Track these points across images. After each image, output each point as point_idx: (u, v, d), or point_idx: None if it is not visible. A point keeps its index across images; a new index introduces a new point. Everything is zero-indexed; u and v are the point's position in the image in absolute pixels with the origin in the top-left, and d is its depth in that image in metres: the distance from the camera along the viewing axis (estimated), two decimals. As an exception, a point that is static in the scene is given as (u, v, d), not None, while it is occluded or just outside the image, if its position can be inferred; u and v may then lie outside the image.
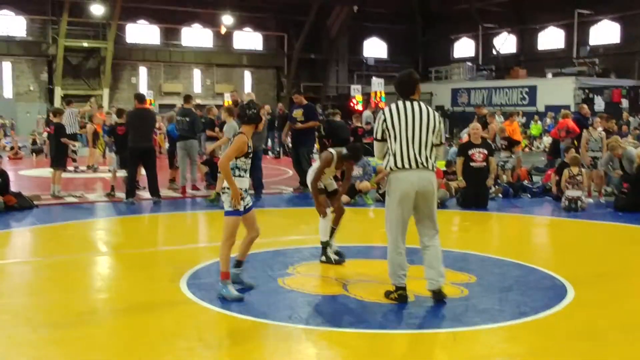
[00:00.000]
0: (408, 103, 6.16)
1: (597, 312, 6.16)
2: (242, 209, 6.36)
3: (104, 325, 5.84)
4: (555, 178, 13.51)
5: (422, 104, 6.24)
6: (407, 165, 6.05)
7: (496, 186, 13.69)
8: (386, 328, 5.58)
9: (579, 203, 12.17)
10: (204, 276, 7.24)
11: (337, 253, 7.83)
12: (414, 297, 6.40)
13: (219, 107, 18.31)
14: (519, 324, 5.71)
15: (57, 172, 13.55)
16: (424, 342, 5.36)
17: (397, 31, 51.71)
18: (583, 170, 12.96)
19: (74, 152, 18.65)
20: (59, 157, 13.77)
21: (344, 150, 7.75)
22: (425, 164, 6.09)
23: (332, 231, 7.85)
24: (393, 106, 6.19)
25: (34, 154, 23.83)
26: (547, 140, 26.96)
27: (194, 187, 14.55)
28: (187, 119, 14.17)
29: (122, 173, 13.28)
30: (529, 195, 14.09)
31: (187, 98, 14.97)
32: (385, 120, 6.14)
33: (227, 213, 6.36)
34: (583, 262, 8.43)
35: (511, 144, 14.91)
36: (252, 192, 13.68)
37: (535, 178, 16.10)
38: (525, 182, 14.78)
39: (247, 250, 6.83)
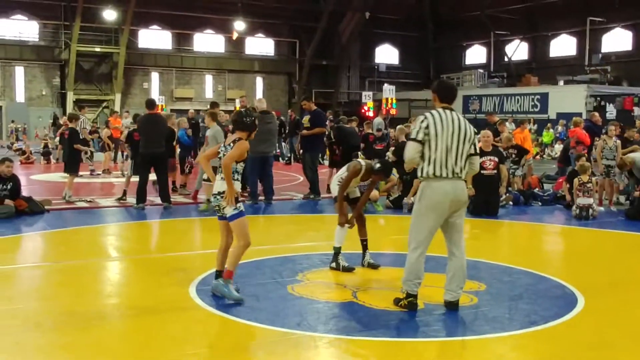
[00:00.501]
0: (448, 112, 6.12)
1: (608, 321, 6.12)
2: (242, 208, 6.48)
3: (113, 331, 5.85)
4: (566, 186, 13.47)
5: (458, 114, 6.22)
6: (444, 174, 6.01)
7: (507, 194, 13.64)
8: (395, 336, 5.56)
9: (590, 211, 12.11)
10: (212, 282, 7.22)
11: (370, 265, 7.85)
12: (423, 305, 6.38)
13: (228, 112, 18.33)
14: (529, 332, 5.68)
15: (70, 178, 13.63)
16: (433, 350, 5.34)
17: (408, 38, 51.76)
18: (594, 178, 12.90)
19: (88, 157, 18.76)
20: (73, 163, 13.92)
21: (376, 164, 7.76)
22: (460, 174, 6.10)
23: (365, 245, 7.91)
24: (435, 113, 6.10)
25: (45, 159, 23.90)
26: (558, 147, 26.85)
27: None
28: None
29: (136, 179, 13.31)
30: (540, 203, 14.02)
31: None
32: (428, 125, 6.01)
33: (233, 217, 6.47)
34: (594, 270, 8.39)
35: (520, 152, 14.83)
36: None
37: (547, 186, 16.03)
38: (536, 190, 14.71)
39: (224, 259, 6.71)
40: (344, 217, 7.59)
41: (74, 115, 14.98)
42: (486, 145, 12.58)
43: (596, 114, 19.31)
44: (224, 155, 6.54)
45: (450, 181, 6.06)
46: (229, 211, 6.43)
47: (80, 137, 15.06)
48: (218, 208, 6.59)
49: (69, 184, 13.64)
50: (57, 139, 25.26)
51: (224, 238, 6.75)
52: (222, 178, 6.49)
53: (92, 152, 19.30)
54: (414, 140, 6.07)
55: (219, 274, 6.66)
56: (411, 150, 6.11)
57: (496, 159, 12.44)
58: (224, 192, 6.42)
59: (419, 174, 6.16)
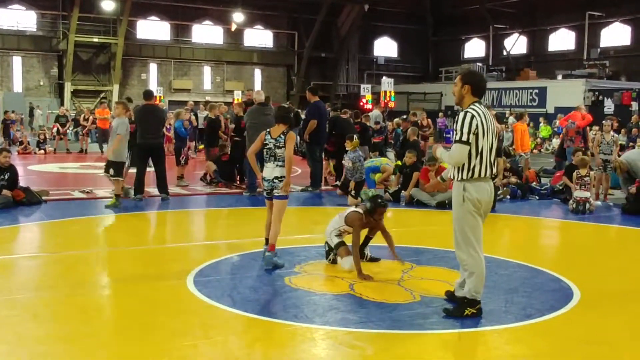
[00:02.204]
0: (485, 109, 5.77)
1: (603, 315, 6.15)
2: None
3: (111, 321, 5.88)
4: (566, 179, 13.54)
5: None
6: (488, 174, 5.73)
7: (504, 188, 13.68)
8: (392, 328, 5.57)
9: (587, 205, 12.14)
10: (210, 274, 7.26)
11: (372, 259, 7.82)
12: (420, 298, 6.40)
13: (228, 104, 18.33)
14: (525, 325, 5.71)
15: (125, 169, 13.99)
16: (430, 343, 5.36)
17: (408, 31, 51.70)
18: (592, 172, 12.93)
19: None
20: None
21: (366, 203, 7.49)
22: (493, 173, 5.85)
23: (368, 241, 7.80)
24: (479, 111, 5.66)
25: (42, 149, 23.89)
26: (556, 142, 26.88)
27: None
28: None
29: (134, 170, 13.30)
30: (537, 197, 14.06)
31: (268, 99, 15.67)
32: (478, 125, 5.57)
33: (282, 197, 7.58)
34: (590, 264, 8.42)
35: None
36: (259, 189, 13.71)
37: (544, 180, 16.05)
38: (534, 184, 14.74)
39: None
40: (362, 275, 7.06)
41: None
42: None
43: (582, 106, 19.47)
44: (274, 145, 7.64)
45: (488, 181, 5.82)
46: (281, 192, 7.51)
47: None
48: (271, 189, 7.60)
49: (181, 171, 14.83)
50: (55, 129, 25.30)
51: (270, 214, 7.76)
52: (277, 165, 7.56)
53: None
54: (464, 143, 5.59)
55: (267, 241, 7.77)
56: (460, 156, 5.63)
57: None
58: (280, 177, 7.52)
59: (462, 175, 5.70)
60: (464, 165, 5.68)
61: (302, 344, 5.24)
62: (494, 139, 5.77)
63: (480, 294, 5.87)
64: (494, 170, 5.86)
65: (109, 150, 12.34)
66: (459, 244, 5.87)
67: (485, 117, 5.66)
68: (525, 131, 18.58)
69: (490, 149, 5.72)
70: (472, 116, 5.61)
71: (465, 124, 5.59)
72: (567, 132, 17.37)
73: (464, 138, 5.59)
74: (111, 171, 11.96)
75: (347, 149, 13.13)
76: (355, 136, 13.38)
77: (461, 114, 5.67)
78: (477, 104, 5.74)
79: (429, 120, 18.90)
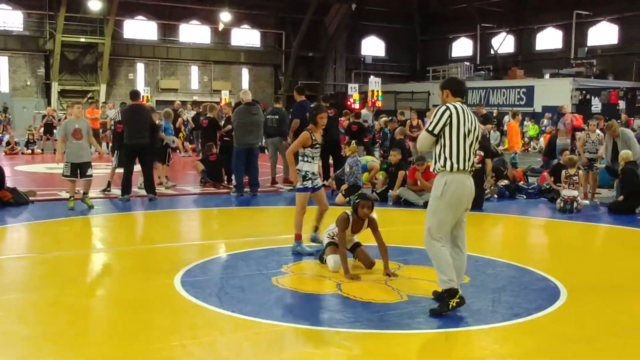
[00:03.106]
0: (464, 106, 6.03)
1: (590, 314, 6.18)
2: (309, 185, 8.21)
3: (99, 322, 5.86)
4: (551, 179, 13.60)
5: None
6: (466, 167, 5.92)
7: (492, 187, 13.72)
8: (379, 328, 5.58)
9: (575, 204, 12.20)
10: (198, 274, 7.25)
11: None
12: (407, 297, 6.42)
13: (217, 104, 18.32)
14: (512, 325, 5.73)
15: (163, 167, 14.54)
16: (417, 342, 5.37)
17: (395, 30, 51.75)
18: (580, 171, 13.00)
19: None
20: (162, 152, 14.52)
21: (354, 200, 7.56)
22: (472, 169, 6.06)
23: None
24: (457, 105, 5.97)
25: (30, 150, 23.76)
26: (543, 141, 27.05)
27: (286, 180, 15.08)
28: (277, 117, 15.21)
29: (121, 170, 13.24)
30: (525, 196, 14.11)
31: (278, 99, 16.24)
32: (451, 116, 5.86)
33: (297, 190, 8.32)
34: (577, 263, 8.46)
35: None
36: (247, 189, 13.70)
37: (531, 179, 16.12)
38: (521, 183, 14.80)
39: (320, 219, 8.66)
40: (349, 275, 7.10)
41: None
42: None
43: (564, 106, 19.66)
44: (319, 145, 8.36)
45: (468, 176, 6.02)
46: (297, 184, 8.31)
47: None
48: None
49: (165, 172, 14.71)
50: (42, 130, 25.16)
51: (318, 206, 8.55)
52: (307, 161, 8.25)
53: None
54: (431, 133, 5.94)
55: (315, 228, 8.72)
56: (425, 144, 6.05)
57: (482, 153, 12.48)
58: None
59: (439, 165, 5.96)
60: (437, 156, 5.97)
61: (289, 344, 5.24)
62: (474, 138, 5.99)
63: (455, 280, 5.93)
64: (472, 164, 6.02)
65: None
66: (425, 234, 6.07)
67: (461, 113, 5.92)
68: (518, 130, 18.72)
69: (469, 145, 5.94)
70: (446, 109, 5.94)
71: (437, 116, 5.95)
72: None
73: (430, 128, 5.97)
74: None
75: (346, 154, 13.24)
76: (353, 142, 13.42)
77: (438, 108, 6.03)
78: (457, 103, 6.03)
79: (420, 120, 18.91)
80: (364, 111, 23.13)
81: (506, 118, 26.95)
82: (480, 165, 12.40)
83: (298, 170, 8.26)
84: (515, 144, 18.62)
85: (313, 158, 8.28)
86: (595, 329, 5.74)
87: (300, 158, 8.34)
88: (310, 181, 8.24)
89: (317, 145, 8.26)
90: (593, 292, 6.93)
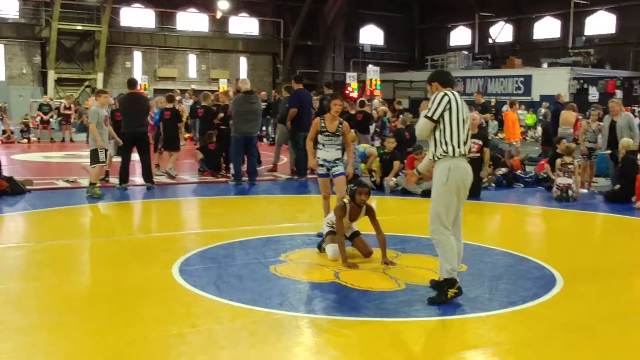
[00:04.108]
0: (457, 93, 6.10)
1: (586, 302, 6.21)
2: (322, 172, 8.34)
3: (97, 311, 5.86)
4: (549, 167, 13.61)
5: None
6: (464, 152, 5.98)
7: (489, 176, 13.72)
8: (377, 316, 5.60)
9: (570, 192, 12.23)
10: (196, 263, 7.26)
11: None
12: (405, 285, 6.44)
13: (213, 92, 18.27)
14: (508, 313, 5.76)
15: (174, 155, 14.67)
16: (414, 330, 5.40)
17: (393, 19, 51.60)
18: (576, 160, 13.00)
19: None
20: (174, 140, 14.78)
21: (352, 188, 7.54)
22: (469, 155, 6.14)
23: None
24: (453, 92, 6.07)
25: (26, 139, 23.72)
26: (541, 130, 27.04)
27: (292, 171, 15.01)
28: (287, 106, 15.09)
29: (118, 159, 13.24)
30: (522, 185, 14.14)
31: (288, 88, 15.90)
32: (450, 101, 5.94)
33: (342, 174, 8.38)
34: (573, 252, 8.49)
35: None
36: (245, 178, 13.70)
37: (529, 168, 16.13)
38: (518, 172, 14.81)
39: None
40: (347, 263, 7.13)
41: (172, 97, 15.68)
42: (472, 127, 12.60)
43: (562, 94, 19.66)
44: (333, 134, 8.34)
45: (467, 161, 6.09)
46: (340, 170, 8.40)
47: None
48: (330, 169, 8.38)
49: (173, 160, 14.71)
50: (38, 118, 25.08)
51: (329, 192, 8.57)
52: (319, 148, 8.39)
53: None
54: (431, 119, 5.98)
55: None
56: (425, 130, 6.07)
57: (480, 142, 12.48)
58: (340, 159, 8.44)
59: (441, 151, 5.98)
60: (438, 142, 5.99)
61: (287, 332, 5.26)
62: (468, 123, 6.10)
63: (456, 270, 5.97)
64: (469, 150, 6.10)
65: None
66: (432, 222, 6.03)
67: (457, 99, 6.02)
68: (515, 120, 18.66)
69: (467, 130, 6.05)
70: (444, 95, 6.00)
71: (436, 102, 6.00)
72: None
73: (430, 114, 6.00)
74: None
75: None
76: (353, 131, 13.41)
77: (436, 94, 6.07)
78: (452, 90, 6.13)
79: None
80: (376, 101, 23.14)
81: (505, 108, 26.91)
82: (479, 154, 12.41)
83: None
84: (512, 135, 18.57)
85: (324, 145, 8.31)
86: (591, 317, 5.77)
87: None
88: (322, 168, 8.34)
89: (327, 133, 8.28)
90: (589, 280, 6.96)
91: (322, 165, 8.36)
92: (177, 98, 20.72)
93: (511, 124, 18.59)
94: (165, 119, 14.74)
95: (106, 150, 12.18)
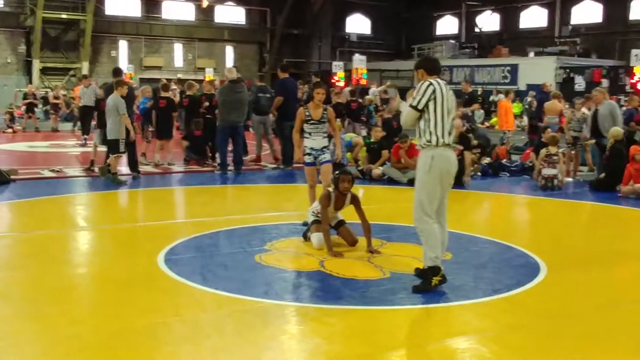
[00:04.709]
0: (442, 82, 6.09)
1: (569, 290, 6.25)
2: (309, 160, 8.38)
3: (82, 300, 5.86)
4: (534, 156, 13.65)
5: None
6: (448, 142, 5.99)
7: (475, 165, 13.73)
8: (362, 304, 5.63)
9: (555, 182, 12.30)
10: (181, 252, 7.26)
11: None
12: (389, 274, 6.47)
13: (199, 82, 18.22)
14: (492, 300, 5.81)
15: (166, 143, 14.65)
16: (399, 318, 5.42)
17: (380, 7, 51.48)
18: (561, 150, 13.06)
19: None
20: (168, 129, 14.68)
21: (335, 175, 7.58)
22: (452, 143, 6.15)
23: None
24: (438, 80, 6.05)
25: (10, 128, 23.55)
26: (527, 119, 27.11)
27: (275, 159, 15.14)
28: (268, 96, 15.08)
29: (103, 148, 13.18)
30: (508, 174, 14.19)
31: (262, 78, 15.84)
32: (435, 91, 5.92)
33: (329, 162, 8.45)
34: (557, 240, 8.54)
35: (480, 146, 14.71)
36: (231, 167, 13.68)
37: (514, 157, 16.19)
38: (504, 161, 14.87)
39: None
40: (332, 252, 7.14)
41: (168, 86, 15.72)
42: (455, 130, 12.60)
43: (547, 83, 19.70)
44: (318, 122, 8.40)
45: (450, 150, 6.11)
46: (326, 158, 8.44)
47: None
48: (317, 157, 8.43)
49: (157, 149, 14.69)
50: (24, 108, 24.89)
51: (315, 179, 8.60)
52: (306, 137, 8.42)
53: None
54: (416, 109, 5.97)
55: None
56: (410, 119, 6.08)
57: (460, 147, 12.40)
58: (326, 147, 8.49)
59: (424, 140, 5.99)
60: (422, 131, 6.00)
61: (272, 321, 5.27)
62: (452, 112, 6.10)
63: (440, 258, 6.00)
64: (452, 138, 6.11)
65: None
66: (416, 210, 6.05)
67: (443, 88, 6.01)
68: (509, 108, 18.63)
69: (451, 119, 6.06)
70: (429, 84, 5.97)
71: (421, 91, 5.98)
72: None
73: (415, 103, 5.99)
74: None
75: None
76: (338, 120, 13.44)
77: (421, 84, 6.04)
78: (437, 79, 6.10)
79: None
80: (373, 89, 23.14)
81: (500, 96, 26.90)
82: (460, 157, 12.37)
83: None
84: (505, 123, 18.53)
85: (310, 134, 8.37)
86: (575, 304, 5.82)
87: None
88: (310, 156, 8.38)
89: (312, 121, 8.33)
90: (573, 268, 7.01)
91: (309, 154, 8.41)
92: (173, 87, 20.61)
93: (504, 112, 18.55)
94: (160, 107, 14.66)
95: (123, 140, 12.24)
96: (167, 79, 23.62)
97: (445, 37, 48.46)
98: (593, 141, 13.59)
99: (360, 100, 19.42)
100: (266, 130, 15.26)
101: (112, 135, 12.09)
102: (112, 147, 12.16)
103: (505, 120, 18.60)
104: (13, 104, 27.12)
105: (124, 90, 12.27)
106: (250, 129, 16.47)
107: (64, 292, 5.98)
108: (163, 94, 15.02)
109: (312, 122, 8.36)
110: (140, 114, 15.93)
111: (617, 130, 12.44)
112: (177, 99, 17.52)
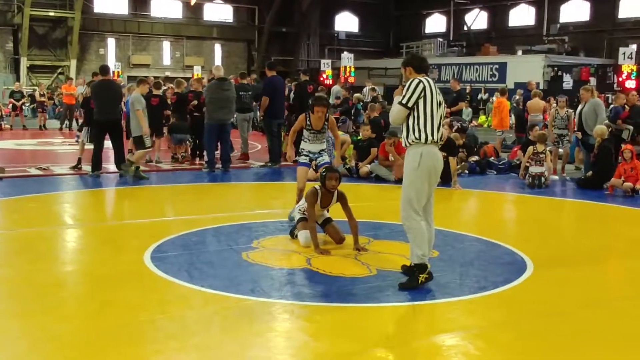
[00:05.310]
0: (432, 80, 6.11)
1: (556, 287, 6.28)
2: (303, 161, 8.44)
3: (69, 298, 5.84)
4: (521, 154, 13.71)
5: None
6: (436, 139, 6.02)
7: (462, 163, 13.77)
8: (348, 301, 5.64)
9: (542, 179, 12.35)
10: (168, 249, 7.24)
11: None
12: (376, 271, 6.48)
13: (187, 79, 18.17)
14: (478, 298, 5.82)
15: (157, 140, 14.71)
16: (386, 315, 5.43)
17: (369, 5, 51.53)
18: (548, 148, 13.12)
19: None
20: (158, 127, 14.61)
21: (322, 174, 7.53)
22: (441, 142, 6.19)
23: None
24: (428, 79, 6.08)
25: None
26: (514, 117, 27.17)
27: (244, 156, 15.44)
28: (250, 93, 15.62)
29: (91, 146, 13.12)
30: (495, 172, 14.23)
31: (244, 75, 16.91)
32: (424, 89, 5.94)
33: (297, 163, 8.60)
34: (544, 238, 8.57)
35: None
36: (219, 165, 13.66)
37: (502, 155, 16.24)
38: (492, 159, 14.91)
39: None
40: (319, 250, 7.12)
41: (160, 84, 15.60)
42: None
43: (532, 81, 19.79)
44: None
45: (436, 147, 6.13)
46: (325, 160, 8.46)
47: None
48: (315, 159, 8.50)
49: (157, 147, 14.72)
50: (10, 105, 24.74)
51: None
52: (303, 140, 8.51)
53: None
54: (405, 106, 5.99)
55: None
56: (398, 117, 6.09)
57: (445, 153, 12.37)
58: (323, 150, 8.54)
59: (413, 138, 6.00)
60: (411, 129, 6.02)
61: (258, 318, 5.27)
62: (442, 109, 6.13)
63: (427, 256, 6.01)
64: (441, 137, 6.14)
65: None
66: (403, 208, 6.06)
67: (431, 86, 6.03)
68: (506, 107, 18.57)
69: (440, 117, 6.08)
70: (419, 82, 5.98)
71: (411, 89, 5.99)
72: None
73: (404, 101, 6.01)
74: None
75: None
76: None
77: (411, 81, 6.06)
78: (426, 76, 6.14)
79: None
80: (336, 87, 23.11)
81: (497, 95, 26.91)
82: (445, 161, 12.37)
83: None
84: (499, 122, 18.38)
85: (309, 139, 8.43)
86: (561, 302, 5.84)
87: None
88: (305, 157, 8.44)
89: (312, 130, 8.36)
90: (559, 266, 7.03)
91: (305, 155, 8.48)
92: (165, 87, 20.53)
93: (499, 111, 18.39)
94: (152, 105, 14.50)
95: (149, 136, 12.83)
96: (154, 77, 23.53)
97: (434, 35, 48.54)
98: (578, 133, 13.63)
99: (336, 99, 19.53)
100: (248, 127, 15.45)
101: (135, 133, 12.62)
102: (138, 143, 12.68)
103: (500, 118, 18.55)
104: (0, 102, 26.94)
105: (145, 89, 12.82)
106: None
107: (51, 289, 5.96)
108: (155, 92, 14.90)
109: (312, 131, 8.41)
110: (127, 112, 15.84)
111: (602, 129, 12.47)
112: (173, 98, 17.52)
